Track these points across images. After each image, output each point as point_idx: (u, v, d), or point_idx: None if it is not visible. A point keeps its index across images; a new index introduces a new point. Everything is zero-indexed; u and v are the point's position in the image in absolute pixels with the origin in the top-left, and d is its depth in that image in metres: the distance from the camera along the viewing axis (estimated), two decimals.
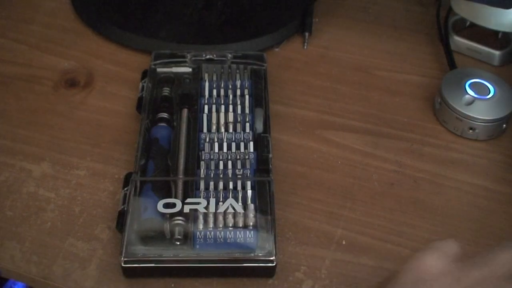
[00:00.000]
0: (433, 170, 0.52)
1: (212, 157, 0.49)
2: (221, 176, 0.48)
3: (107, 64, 0.60)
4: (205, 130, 0.51)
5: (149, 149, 0.49)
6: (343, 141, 0.54)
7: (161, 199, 0.45)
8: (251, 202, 0.45)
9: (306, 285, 0.44)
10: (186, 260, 0.42)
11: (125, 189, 0.47)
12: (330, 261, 0.46)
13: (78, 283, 0.44)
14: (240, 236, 0.43)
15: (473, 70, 0.58)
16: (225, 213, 0.45)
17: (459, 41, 0.63)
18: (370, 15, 0.69)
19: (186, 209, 0.44)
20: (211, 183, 0.47)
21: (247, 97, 0.54)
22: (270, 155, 0.49)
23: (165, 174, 0.47)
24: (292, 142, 0.54)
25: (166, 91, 0.54)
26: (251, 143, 0.50)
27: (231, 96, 0.54)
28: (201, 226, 0.44)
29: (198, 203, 0.45)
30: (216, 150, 0.50)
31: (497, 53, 0.62)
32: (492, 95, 0.54)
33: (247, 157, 0.49)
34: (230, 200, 0.45)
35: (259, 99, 0.54)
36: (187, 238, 0.43)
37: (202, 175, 0.48)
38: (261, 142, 0.50)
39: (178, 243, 0.43)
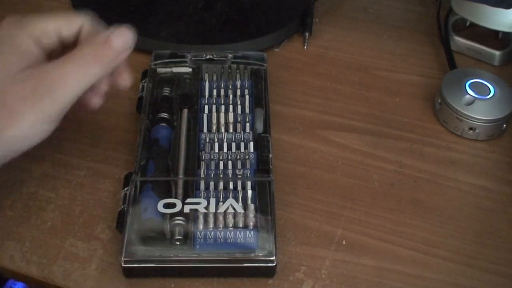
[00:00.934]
0: (433, 170, 0.52)
1: (212, 157, 0.49)
2: (221, 176, 0.48)
3: None
4: (205, 130, 0.51)
5: (149, 149, 0.49)
6: (343, 141, 0.54)
7: (161, 199, 0.45)
8: (251, 202, 0.45)
9: (306, 285, 0.44)
10: (186, 260, 0.42)
11: (125, 189, 0.47)
12: (330, 261, 0.46)
13: (78, 283, 0.44)
14: (240, 236, 0.43)
15: (473, 70, 0.58)
16: (225, 213, 0.45)
17: (459, 41, 0.63)
18: (370, 15, 0.69)
19: (186, 209, 0.44)
20: (211, 183, 0.47)
21: (247, 97, 0.54)
22: (270, 155, 0.49)
23: (165, 174, 0.47)
24: (292, 142, 0.54)
25: (166, 91, 0.54)
26: (251, 143, 0.50)
27: (231, 96, 0.54)
28: (201, 226, 0.44)
29: (198, 203, 0.45)
30: (216, 150, 0.50)
31: (497, 53, 0.62)
32: (492, 95, 0.54)
33: (247, 157, 0.49)
34: (230, 200, 0.45)
35: (259, 99, 0.54)
36: (187, 238, 0.43)
37: (202, 175, 0.48)
38: (261, 142, 0.50)
39: (178, 243, 0.43)
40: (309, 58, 0.63)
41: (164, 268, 0.43)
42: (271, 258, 0.42)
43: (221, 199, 0.46)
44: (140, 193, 0.46)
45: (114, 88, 0.47)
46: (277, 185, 0.48)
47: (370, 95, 0.59)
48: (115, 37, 0.43)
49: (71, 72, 0.42)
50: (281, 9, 0.66)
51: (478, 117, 0.53)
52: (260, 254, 0.42)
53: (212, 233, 0.43)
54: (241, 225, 0.44)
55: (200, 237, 0.43)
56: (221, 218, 0.44)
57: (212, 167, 0.48)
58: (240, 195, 0.46)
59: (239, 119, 0.52)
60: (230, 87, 0.55)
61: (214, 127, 0.51)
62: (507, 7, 0.56)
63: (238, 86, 0.55)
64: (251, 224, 0.44)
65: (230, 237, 0.43)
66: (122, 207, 0.46)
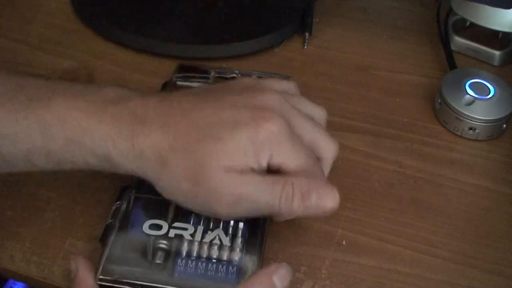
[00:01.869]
0: (433, 170, 0.52)
1: None
2: None
3: (107, 65, 0.60)
4: None
5: None
6: (343, 141, 0.54)
7: (150, 219, 0.44)
8: (241, 236, 0.43)
9: (306, 285, 0.44)
10: (162, 287, 0.41)
11: (117, 202, 0.45)
12: (330, 261, 0.46)
13: None
14: (222, 270, 0.41)
15: (473, 70, 0.58)
16: (210, 243, 0.43)
17: (459, 41, 0.63)
18: (370, 15, 0.69)
19: (172, 233, 0.43)
20: None
21: None
22: None
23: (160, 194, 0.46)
24: None
25: None
26: None
27: None
28: (184, 253, 0.42)
29: (185, 229, 0.43)
30: None
31: (497, 53, 0.62)
32: (492, 95, 0.54)
33: None
34: (219, 231, 0.43)
35: None
36: (168, 263, 0.41)
37: None
38: None
39: (157, 267, 0.41)
40: (309, 58, 0.63)
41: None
42: None
43: (210, 227, 0.43)
44: (131, 210, 0.44)
45: None
46: None
47: (370, 95, 0.59)
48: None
49: None
50: (281, 9, 0.67)
51: (478, 117, 0.54)
52: None
53: (194, 262, 0.42)
54: (225, 258, 0.42)
55: (180, 264, 0.41)
56: (205, 248, 0.42)
57: None
58: (231, 227, 0.44)
59: None
60: None
61: None
62: (507, 7, 0.56)
63: None
64: (236, 259, 0.42)
65: (211, 269, 0.41)
66: (110, 221, 0.44)
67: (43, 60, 0.61)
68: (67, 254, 0.45)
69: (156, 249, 0.42)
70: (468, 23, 0.64)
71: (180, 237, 0.43)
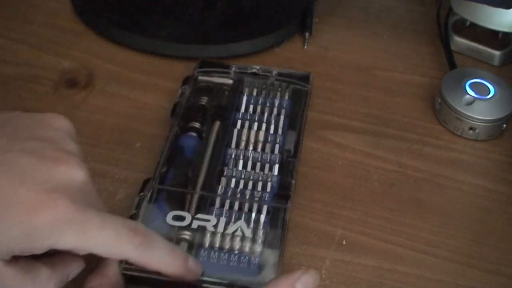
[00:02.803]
0: (433, 170, 0.52)
1: (234, 174, 0.48)
2: (239, 196, 0.46)
3: (107, 64, 0.60)
4: (233, 145, 0.50)
5: (172, 157, 0.48)
6: (343, 141, 0.54)
7: (173, 210, 0.44)
8: (263, 228, 0.44)
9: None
10: None
11: (141, 194, 0.46)
12: (330, 261, 0.46)
13: (78, 283, 0.44)
14: (243, 261, 0.42)
15: (473, 70, 0.58)
16: (233, 235, 0.43)
17: (459, 41, 0.63)
18: (370, 15, 0.69)
19: (195, 224, 0.44)
20: (227, 202, 0.46)
21: (282, 117, 0.52)
22: (293, 182, 0.48)
23: (183, 185, 0.47)
24: None
25: (203, 100, 0.53)
26: (277, 166, 0.49)
27: (266, 114, 0.53)
28: (206, 244, 0.43)
29: (207, 221, 0.44)
30: (240, 167, 0.48)
31: (497, 53, 0.62)
32: (492, 95, 0.54)
33: (269, 179, 0.48)
34: (241, 223, 0.44)
35: (295, 121, 0.52)
36: (191, 254, 0.42)
37: (220, 192, 0.47)
38: (287, 166, 0.49)
39: None
40: (309, 58, 0.63)
41: (162, 282, 0.41)
42: None
43: (232, 220, 0.44)
44: (154, 201, 0.45)
45: None
46: None
47: (370, 95, 0.59)
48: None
49: None
50: (281, 9, 0.66)
51: (478, 117, 0.54)
52: (261, 282, 0.41)
53: (216, 253, 0.42)
54: (247, 250, 0.43)
55: (203, 255, 0.42)
56: (227, 239, 0.43)
57: (232, 185, 0.47)
58: (253, 219, 0.45)
59: (269, 139, 0.51)
60: (268, 104, 0.53)
61: (243, 144, 0.50)
62: (507, 7, 0.56)
63: (276, 105, 0.53)
64: (258, 251, 0.43)
65: (234, 259, 0.42)
66: (134, 211, 0.45)
67: (43, 60, 0.61)
68: None
69: (179, 240, 0.43)
70: (468, 23, 0.64)
71: (203, 228, 0.44)
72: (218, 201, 0.46)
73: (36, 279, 0.36)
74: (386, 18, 0.68)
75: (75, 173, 0.37)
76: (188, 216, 0.44)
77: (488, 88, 0.55)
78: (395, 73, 0.62)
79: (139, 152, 0.52)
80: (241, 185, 0.47)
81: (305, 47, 0.64)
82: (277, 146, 0.50)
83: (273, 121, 0.52)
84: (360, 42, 0.65)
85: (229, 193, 0.47)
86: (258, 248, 0.43)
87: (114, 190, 0.49)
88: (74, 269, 0.38)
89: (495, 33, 0.63)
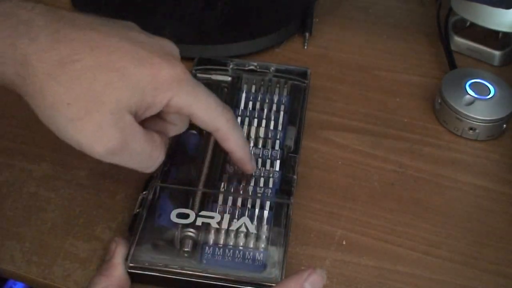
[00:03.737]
0: (433, 170, 0.52)
1: (236, 171, 0.48)
2: (241, 192, 0.47)
3: None
4: None
5: (174, 155, 0.48)
6: (343, 141, 0.54)
7: (176, 208, 0.44)
8: (266, 224, 0.44)
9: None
10: (191, 274, 0.41)
11: (144, 192, 0.46)
12: (330, 261, 0.46)
13: (78, 283, 0.44)
14: (249, 257, 0.42)
15: (473, 70, 0.58)
16: (237, 231, 0.44)
17: (459, 41, 0.63)
18: (370, 15, 0.69)
19: (199, 221, 0.44)
20: (230, 198, 0.46)
21: (281, 113, 0.53)
22: (295, 177, 0.48)
23: (186, 183, 0.47)
24: None
25: None
26: (278, 162, 0.49)
27: (266, 111, 0.53)
28: (211, 241, 0.43)
29: (212, 217, 0.44)
30: None
31: (497, 53, 0.62)
32: (492, 95, 0.54)
33: (271, 175, 0.48)
34: (245, 219, 0.44)
35: (294, 117, 0.52)
36: (196, 251, 0.43)
37: (222, 189, 0.47)
38: (288, 162, 0.49)
39: (186, 255, 0.42)
40: (309, 58, 0.63)
41: (168, 279, 0.42)
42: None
43: (236, 216, 0.45)
44: (157, 199, 0.45)
45: None
46: None
47: (370, 95, 0.59)
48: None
49: None
50: (281, 9, 0.66)
51: (478, 117, 0.53)
52: (266, 278, 0.41)
53: (221, 249, 0.43)
54: (251, 246, 0.43)
55: (208, 252, 0.43)
56: (232, 235, 0.44)
57: (234, 182, 0.47)
58: (256, 215, 0.45)
59: (269, 135, 0.51)
60: (267, 101, 0.54)
61: None
62: (507, 7, 0.56)
63: (275, 101, 0.54)
64: (262, 246, 0.43)
65: (239, 256, 0.42)
66: (137, 210, 0.45)
67: None
68: (67, 254, 0.45)
69: (184, 237, 0.43)
70: (468, 23, 0.64)
71: (207, 225, 0.44)
72: (221, 198, 0.46)
73: (153, 142, 0.40)
74: (386, 18, 0.68)
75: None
76: (192, 214, 0.44)
77: (488, 88, 0.55)
78: (395, 73, 0.62)
79: None
80: (243, 182, 0.47)
81: (305, 47, 0.64)
82: (277, 142, 0.51)
83: (272, 117, 0.53)
84: (360, 42, 0.65)
85: (232, 189, 0.47)
86: (262, 244, 0.43)
87: (114, 190, 0.49)
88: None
89: (495, 33, 0.63)
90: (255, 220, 0.45)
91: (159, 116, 0.41)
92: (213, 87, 0.55)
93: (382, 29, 0.67)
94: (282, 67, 0.57)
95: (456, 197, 0.51)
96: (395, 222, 0.48)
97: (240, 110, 0.53)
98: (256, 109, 0.53)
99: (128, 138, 0.38)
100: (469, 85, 0.55)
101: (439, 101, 0.56)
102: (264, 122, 0.52)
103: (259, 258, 0.42)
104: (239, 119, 0.52)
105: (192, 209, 0.45)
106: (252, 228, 0.44)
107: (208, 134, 0.50)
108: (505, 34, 0.63)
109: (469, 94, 0.54)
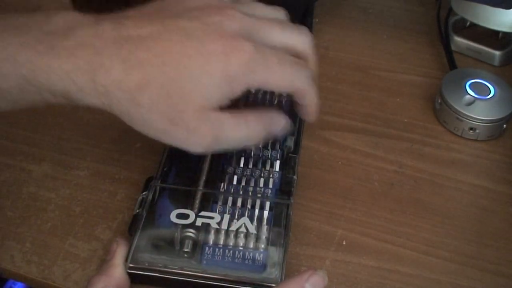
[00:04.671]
0: (433, 170, 0.52)
1: (236, 171, 0.48)
2: (241, 192, 0.47)
3: None
4: None
5: (174, 156, 0.48)
6: (343, 141, 0.54)
7: (176, 208, 0.44)
8: (266, 224, 0.44)
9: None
10: (191, 275, 0.42)
11: (143, 193, 0.46)
12: (331, 261, 0.46)
13: (78, 283, 0.44)
14: (248, 257, 0.42)
15: (473, 70, 0.58)
16: (237, 231, 0.44)
17: (459, 41, 0.63)
18: (370, 15, 0.69)
19: (199, 222, 0.44)
20: (230, 199, 0.46)
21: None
22: (295, 177, 0.48)
23: (186, 183, 0.47)
24: None
25: None
26: (278, 162, 0.49)
27: None
28: (211, 242, 0.43)
29: (211, 218, 0.44)
30: (242, 164, 0.49)
31: (497, 53, 0.62)
32: (492, 95, 0.54)
33: (271, 176, 0.48)
34: (245, 219, 0.44)
35: (294, 117, 0.52)
36: (196, 251, 0.43)
37: (222, 189, 0.47)
38: (288, 162, 0.49)
39: (186, 255, 0.42)
40: None
41: (168, 279, 0.42)
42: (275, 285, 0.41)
43: (236, 217, 0.45)
44: (158, 200, 0.45)
45: None
46: None
47: (370, 95, 0.59)
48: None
49: None
50: None
51: (478, 117, 0.53)
52: (266, 278, 0.41)
53: (221, 250, 0.43)
54: (251, 246, 0.43)
55: (208, 252, 0.43)
56: (232, 236, 0.43)
57: (234, 182, 0.47)
58: (256, 215, 0.45)
59: None
60: (266, 101, 0.53)
61: None
62: (507, 7, 0.56)
63: (275, 101, 0.53)
64: (262, 246, 0.43)
65: (239, 256, 0.42)
66: (137, 211, 0.45)
67: None
68: (67, 254, 0.45)
69: (183, 238, 0.43)
70: (468, 23, 0.64)
71: (207, 225, 0.44)
72: (221, 198, 0.46)
73: (247, 122, 0.41)
74: (386, 18, 0.68)
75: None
76: (192, 214, 0.44)
77: (488, 88, 0.55)
78: (395, 73, 0.62)
79: (139, 152, 0.52)
80: (243, 182, 0.47)
81: None
82: (277, 142, 0.50)
83: None
84: (360, 42, 0.65)
85: (232, 190, 0.47)
86: (262, 244, 0.43)
87: (114, 190, 0.49)
88: (278, 126, 0.44)
89: (495, 33, 0.63)
90: (255, 220, 0.45)
91: None
92: None
93: (382, 29, 0.67)
94: None
95: (456, 197, 0.51)
96: (395, 222, 0.48)
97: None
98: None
99: (218, 132, 0.39)
100: (469, 85, 0.55)
101: (439, 101, 0.56)
102: None
103: (259, 259, 0.42)
104: None
105: (192, 209, 0.45)
106: (252, 229, 0.44)
107: None
108: (505, 34, 0.63)
109: (469, 94, 0.54)
